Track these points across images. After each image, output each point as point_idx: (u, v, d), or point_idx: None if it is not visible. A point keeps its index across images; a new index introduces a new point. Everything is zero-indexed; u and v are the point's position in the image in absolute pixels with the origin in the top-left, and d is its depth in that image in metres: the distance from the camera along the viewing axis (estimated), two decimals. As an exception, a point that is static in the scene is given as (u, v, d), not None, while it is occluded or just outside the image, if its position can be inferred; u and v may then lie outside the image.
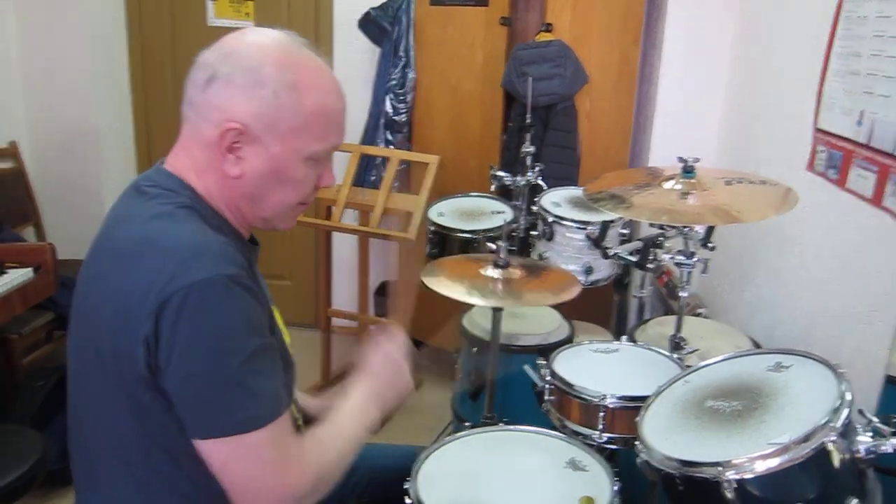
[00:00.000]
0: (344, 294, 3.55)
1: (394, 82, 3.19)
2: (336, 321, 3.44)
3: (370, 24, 3.24)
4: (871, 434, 1.19)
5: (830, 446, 1.13)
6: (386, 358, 1.40)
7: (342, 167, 3.41)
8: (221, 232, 1.17)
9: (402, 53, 3.18)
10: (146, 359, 1.06)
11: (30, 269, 2.48)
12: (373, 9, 3.23)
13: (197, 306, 1.04)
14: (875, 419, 1.21)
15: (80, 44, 3.41)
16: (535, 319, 2.39)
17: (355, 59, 3.52)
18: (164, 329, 1.04)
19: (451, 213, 2.69)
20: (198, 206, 1.17)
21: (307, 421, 1.41)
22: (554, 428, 1.76)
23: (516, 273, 1.92)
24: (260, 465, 1.09)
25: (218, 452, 1.08)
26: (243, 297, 1.08)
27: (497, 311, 1.95)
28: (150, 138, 3.82)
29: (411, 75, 3.19)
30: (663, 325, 2.25)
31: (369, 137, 3.27)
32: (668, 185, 1.81)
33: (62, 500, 2.56)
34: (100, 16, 3.47)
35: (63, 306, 2.84)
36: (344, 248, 3.58)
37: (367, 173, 3.27)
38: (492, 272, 1.91)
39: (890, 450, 1.16)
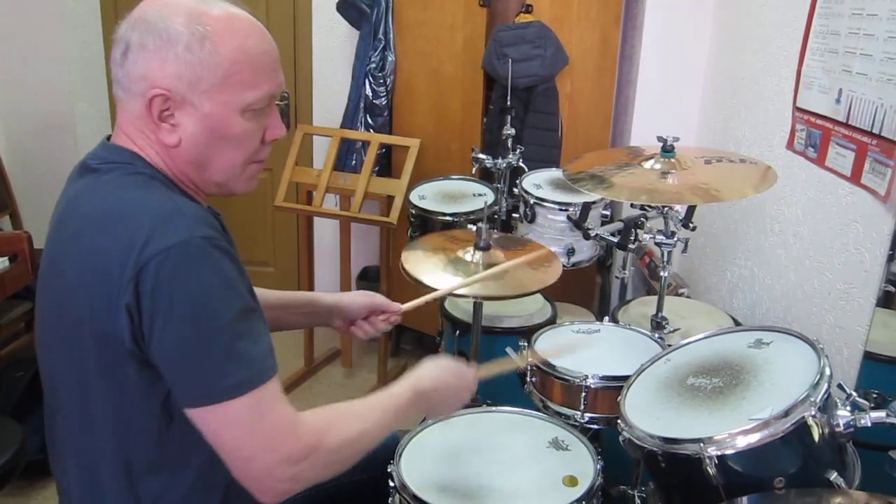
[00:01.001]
0: (326, 279, 3.53)
1: (373, 65, 3.16)
2: (319, 307, 3.42)
3: (349, 8, 3.21)
4: (850, 408, 1.20)
5: (810, 421, 1.14)
6: (456, 379, 1.38)
7: (322, 151, 3.40)
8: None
9: (381, 36, 3.15)
10: (130, 330, 1.04)
11: (6, 259, 2.45)
12: (350, -9, 3.20)
13: (174, 271, 1.01)
14: (854, 394, 1.23)
15: (54, 30, 3.35)
16: (517, 301, 2.39)
17: (334, 43, 3.49)
18: (144, 297, 1.02)
19: (432, 196, 2.68)
20: (157, 175, 1.15)
21: None
22: (537, 409, 1.76)
23: (498, 255, 1.91)
24: (251, 430, 1.06)
25: (209, 419, 1.06)
26: (222, 259, 1.06)
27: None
28: (127, 125, 3.77)
29: (391, 58, 3.17)
30: (645, 305, 2.26)
31: (349, 121, 3.25)
32: (647, 164, 1.81)
33: (43, 491, 2.54)
34: (74, 2, 3.41)
35: (41, 295, 2.81)
36: (325, 234, 3.56)
37: (347, 157, 3.25)
38: (472, 255, 1.90)
39: (868, 423, 1.17)
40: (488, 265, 1.86)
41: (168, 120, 1.11)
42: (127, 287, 1.02)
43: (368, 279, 3.62)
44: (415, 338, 3.61)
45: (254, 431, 1.07)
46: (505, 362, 1.67)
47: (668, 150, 1.80)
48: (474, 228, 1.92)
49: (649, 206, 1.92)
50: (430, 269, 1.83)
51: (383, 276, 3.21)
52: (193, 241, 1.03)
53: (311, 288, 3.34)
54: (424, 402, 1.32)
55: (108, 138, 1.21)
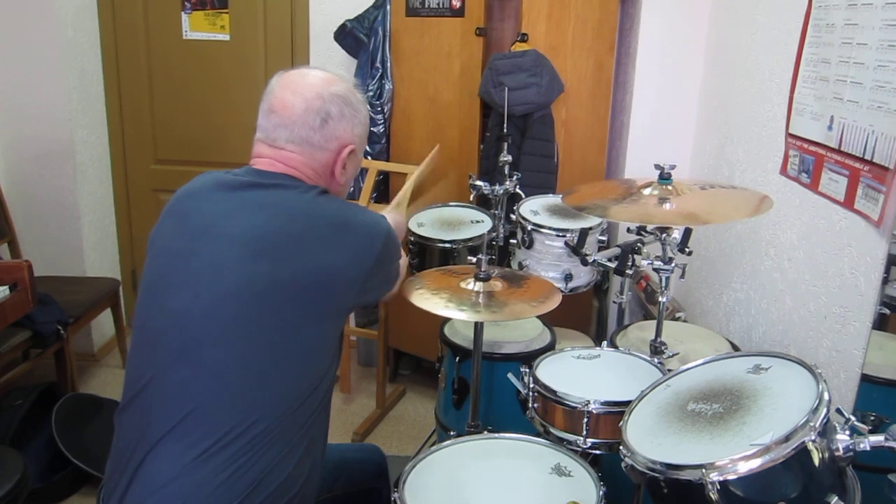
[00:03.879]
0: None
1: (371, 93, 3.20)
2: (317, 333, 3.42)
3: (346, 36, 3.26)
4: (849, 433, 1.21)
5: (811, 445, 1.15)
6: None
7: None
8: None
9: (378, 65, 3.19)
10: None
11: (6, 287, 2.45)
12: (348, 21, 3.25)
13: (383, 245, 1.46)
14: (852, 417, 1.24)
15: (54, 58, 3.38)
16: (516, 327, 2.41)
17: (332, 71, 3.53)
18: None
19: (430, 223, 2.70)
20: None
21: None
22: (538, 434, 1.77)
23: (497, 285, 1.93)
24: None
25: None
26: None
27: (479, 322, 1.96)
28: (125, 153, 3.79)
29: (388, 86, 3.20)
30: (643, 330, 2.27)
31: (347, 148, 3.28)
32: (645, 192, 1.84)
33: (43, 520, 2.53)
34: (73, 30, 3.45)
35: (40, 323, 2.81)
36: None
37: (345, 184, 3.27)
38: (473, 285, 1.92)
39: (868, 447, 1.19)
40: (489, 295, 1.88)
41: (345, 166, 1.51)
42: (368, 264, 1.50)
43: (366, 305, 3.62)
44: (413, 363, 3.61)
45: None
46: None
47: (665, 177, 1.83)
48: (473, 259, 1.94)
49: (646, 231, 1.95)
50: (435, 302, 1.84)
51: (381, 302, 3.22)
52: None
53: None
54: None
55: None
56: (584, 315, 3.22)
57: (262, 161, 1.45)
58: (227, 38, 3.61)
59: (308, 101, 1.43)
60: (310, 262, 1.33)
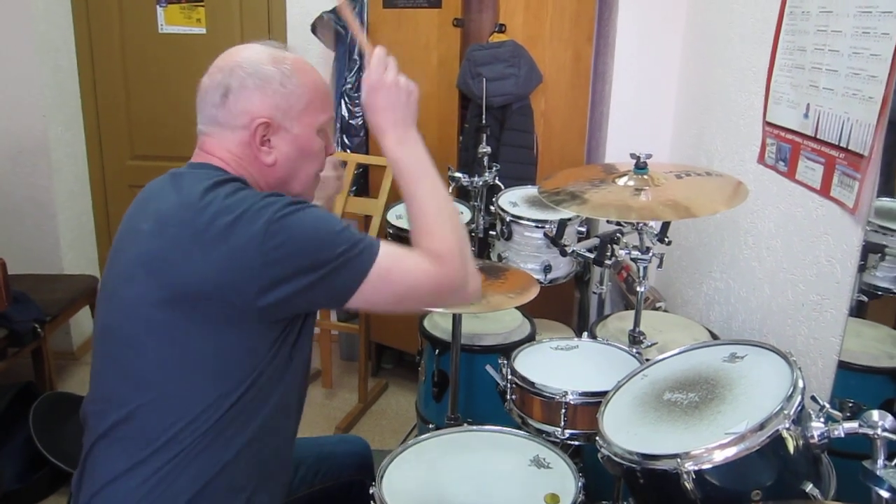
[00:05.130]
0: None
1: (349, 86, 3.17)
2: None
3: (324, 28, 3.23)
4: (823, 420, 1.21)
5: (785, 433, 1.15)
6: (388, 89, 1.40)
7: (300, 172, 3.39)
8: None
9: (356, 57, 3.17)
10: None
11: (-21, 286, 2.42)
12: (325, 12, 3.22)
13: (289, 230, 1.21)
14: (827, 405, 1.24)
15: (27, 53, 3.33)
16: (496, 319, 2.40)
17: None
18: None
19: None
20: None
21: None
22: (517, 427, 1.77)
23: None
24: (408, 270, 1.24)
25: (372, 291, 1.22)
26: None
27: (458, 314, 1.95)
28: (102, 148, 3.74)
29: (366, 78, 3.18)
30: (623, 320, 2.27)
31: (326, 142, 3.25)
32: (621, 181, 1.83)
33: (20, 521, 2.50)
34: (46, 25, 3.40)
35: (16, 322, 2.77)
36: (304, 254, 3.55)
37: (325, 178, 3.25)
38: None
39: (842, 434, 1.19)
40: None
41: (267, 144, 1.32)
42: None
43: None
44: (395, 357, 3.60)
45: (409, 270, 1.28)
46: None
47: (640, 167, 1.82)
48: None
49: (625, 222, 1.94)
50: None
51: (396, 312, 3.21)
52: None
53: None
54: (412, 127, 1.39)
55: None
56: (566, 306, 3.22)
57: (195, 152, 1.37)
58: (204, 31, 3.57)
59: (211, 77, 1.32)
60: (182, 271, 1.20)
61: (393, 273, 1.23)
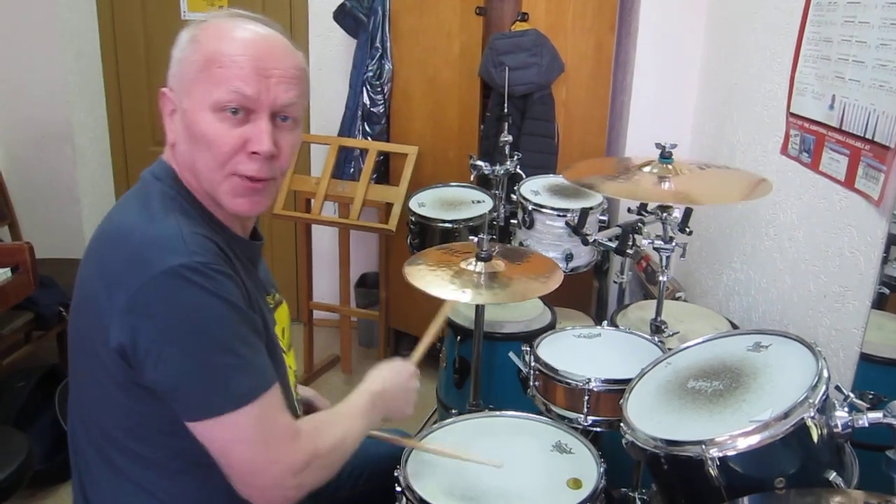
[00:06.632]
0: (325, 287, 3.55)
1: (370, 74, 3.18)
2: (318, 314, 3.44)
3: (346, 16, 3.24)
4: (847, 409, 1.22)
5: (809, 422, 1.17)
6: (397, 375, 1.46)
7: (321, 160, 3.42)
8: (199, 222, 1.16)
9: (378, 45, 3.17)
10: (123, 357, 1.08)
11: (7, 270, 2.46)
12: (347, 0, 3.23)
13: (163, 297, 1.04)
14: (851, 395, 1.25)
15: (52, 41, 3.37)
16: (517, 307, 2.42)
17: (331, 51, 3.52)
18: (136, 326, 1.05)
19: (431, 203, 2.70)
20: (179, 196, 1.18)
21: (307, 412, 1.43)
22: (539, 413, 1.78)
23: (499, 265, 1.91)
24: (259, 441, 1.09)
25: (212, 432, 1.08)
26: (212, 282, 1.07)
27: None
28: (125, 134, 3.78)
29: (388, 66, 3.19)
30: (643, 310, 2.28)
31: (347, 129, 3.27)
32: (646, 169, 1.84)
33: (48, 500, 2.55)
34: (70, 12, 3.43)
35: (42, 305, 2.82)
36: (324, 241, 3.59)
37: (345, 165, 3.27)
38: (475, 266, 1.90)
39: (866, 424, 1.20)
40: (491, 276, 1.85)
41: (172, 116, 1.18)
42: (120, 316, 1.06)
43: (367, 286, 3.64)
44: (413, 343, 3.62)
45: (261, 442, 1.09)
46: (428, 331, 1.71)
47: (666, 156, 1.83)
48: (475, 239, 1.92)
49: (646, 211, 1.95)
50: (435, 281, 1.84)
51: (382, 282, 3.23)
52: (178, 268, 1.04)
53: (309, 295, 3.36)
54: (380, 401, 1.38)
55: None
56: (585, 295, 3.23)
57: None
58: (226, 18, 3.59)
59: None
60: (80, 297, 1.14)
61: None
